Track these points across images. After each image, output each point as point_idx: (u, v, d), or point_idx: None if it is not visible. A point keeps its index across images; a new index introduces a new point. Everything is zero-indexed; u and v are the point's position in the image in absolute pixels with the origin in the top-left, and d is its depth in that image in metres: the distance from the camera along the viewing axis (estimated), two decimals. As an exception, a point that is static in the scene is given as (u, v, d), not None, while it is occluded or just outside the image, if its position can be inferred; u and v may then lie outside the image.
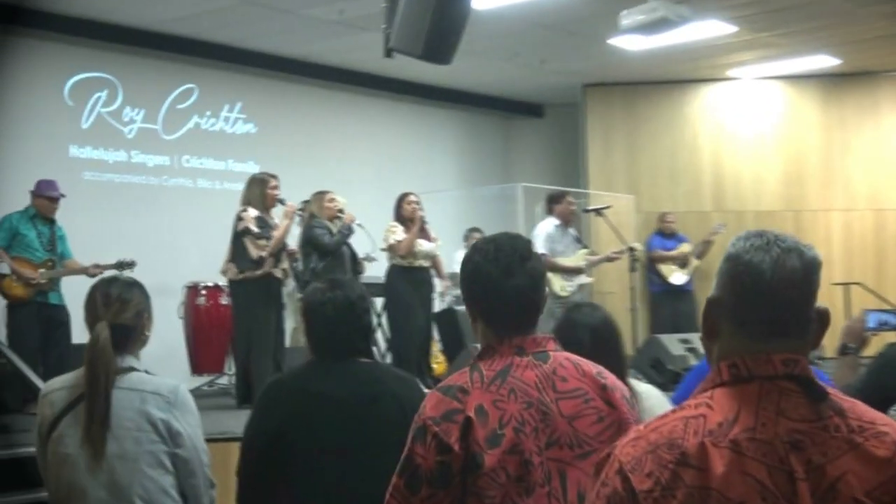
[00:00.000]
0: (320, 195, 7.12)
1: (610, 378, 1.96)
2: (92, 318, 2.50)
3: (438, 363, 7.81)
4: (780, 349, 1.34)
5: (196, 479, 2.50)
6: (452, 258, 8.33)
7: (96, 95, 8.78)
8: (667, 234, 9.82)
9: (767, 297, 1.35)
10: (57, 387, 2.49)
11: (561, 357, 1.94)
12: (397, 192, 7.58)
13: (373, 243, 7.42)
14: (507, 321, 1.94)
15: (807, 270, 1.36)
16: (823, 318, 1.39)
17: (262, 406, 2.60)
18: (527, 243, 2.03)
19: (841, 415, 1.32)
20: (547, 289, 7.33)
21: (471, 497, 1.83)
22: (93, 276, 6.53)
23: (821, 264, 1.39)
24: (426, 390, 2.42)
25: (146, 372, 2.57)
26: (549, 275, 7.48)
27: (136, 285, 2.58)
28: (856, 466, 1.28)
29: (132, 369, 2.50)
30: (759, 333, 1.35)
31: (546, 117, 12.05)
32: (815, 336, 1.38)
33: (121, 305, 2.50)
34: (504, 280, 1.95)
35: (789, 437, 1.29)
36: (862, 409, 1.34)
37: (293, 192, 7.00)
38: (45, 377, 5.08)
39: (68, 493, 2.41)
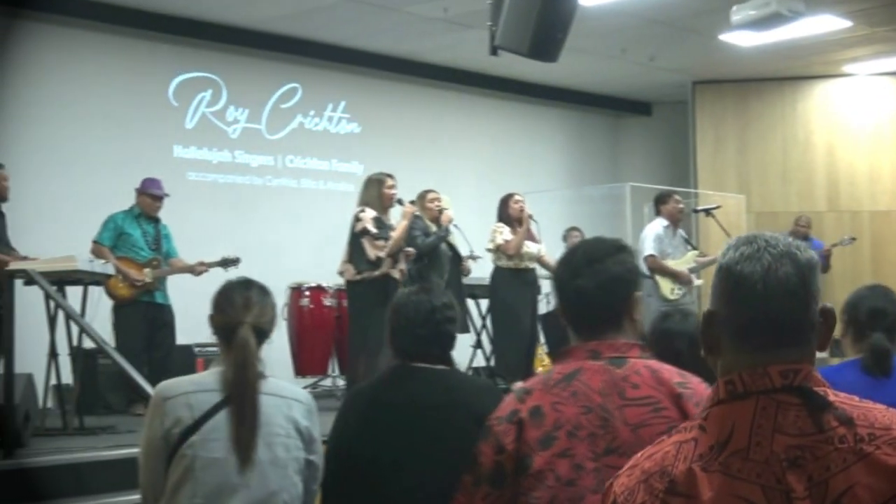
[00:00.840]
0: (423, 194, 7.10)
1: (693, 388, 1.87)
2: (229, 320, 2.47)
3: (544, 366, 7.75)
4: (778, 361, 1.28)
5: (316, 485, 2.55)
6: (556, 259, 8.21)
7: (200, 95, 8.84)
8: (800, 239, 9.60)
9: (761, 308, 1.29)
10: (190, 388, 2.44)
11: (640, 364, 1.89)
12: (501, 192, 7.52)
13: (469, 244, 7.33)
14: (578, 323, 1.93)
15: (802, 275, 1.30)
16: (829, 318, 1.32)
17: (341, 415, 2.62)
18: (607, 245, 1.98)
19: (848, 424, 1.23)
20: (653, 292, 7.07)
21: (521, 497, 1.84)
22: (198, 274, 6.59)
23: (817, 265, 1.34)
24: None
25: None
26: (658, 277, 7.37)
27: (261, 286, 2.57)
28: (865, 478, 1.19)
29: (265, 374, 2.51)
30: (756, 346, 1.29)
31: (655, 115, 11.96)
32: (821, 338, 1.32)
33: (261, 309, 2.50)
34: (569, 281, 1.95)
35: (787, 455, 1.22)
36: (876, 415, 1.24)
37: (398, 192, 6.86)
38: (150, 378, 5.13)
39: (216, 497, 2.38)
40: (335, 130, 9.69)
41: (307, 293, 7.83)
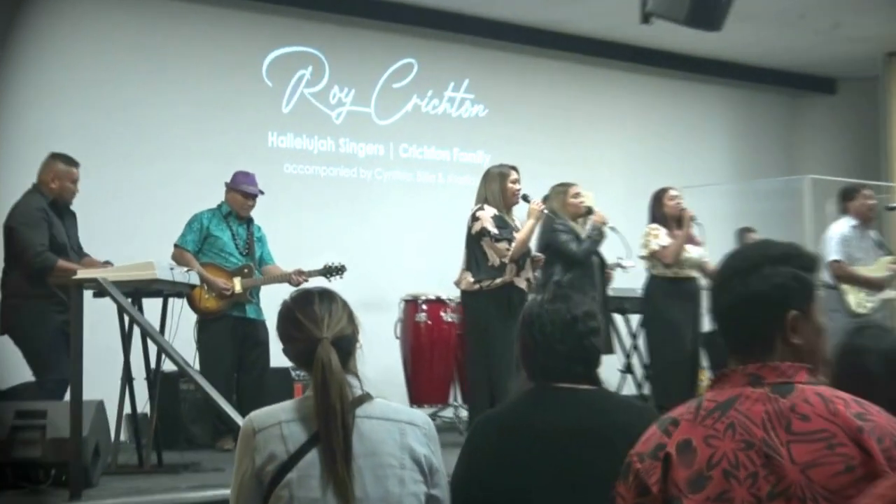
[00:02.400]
0: (563, 189, 7.04)
1: (875, 420, 1.82)
2: (302, 342, 2.52)
3: None
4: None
5: None
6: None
7: (299, 73, 8.88)
8: None
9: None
10: (284, 418, 2.47)
11: (809, 391, 1.86)
12: (654, 186, 7.46)
13: (628, 250, 7.21)
14: (732, 343, 1.95)
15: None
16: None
17: (470, 449, 2.67)
18: (759, 254, 1.97)
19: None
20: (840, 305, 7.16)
21: None
22: (296, 284, 6.54)
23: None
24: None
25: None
26: (844, 287, 7.32)
27: (331, 291, 2.62)
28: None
29: (369, 395, 2.53)
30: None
31: (839, 94, 11.80)
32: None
33: (334, 319, 2.53)
34: (718, 294, 1.98)
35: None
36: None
37: (530, 186, 6.83)
38: (240, 406, 5.16)
39: None
40: (457, 114, 9.71)
41: (424, 307, 7.85)
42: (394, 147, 9.34)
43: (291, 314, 2.56)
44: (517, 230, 6.44)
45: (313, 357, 2.47)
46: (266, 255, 6.93)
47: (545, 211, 6.59)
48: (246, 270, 6.73)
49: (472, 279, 6.41)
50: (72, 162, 5.96)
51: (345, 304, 2.58)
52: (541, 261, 6.63)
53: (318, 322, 2.51)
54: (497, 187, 6.48)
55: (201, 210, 6.81)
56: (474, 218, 6.44)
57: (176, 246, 6.67)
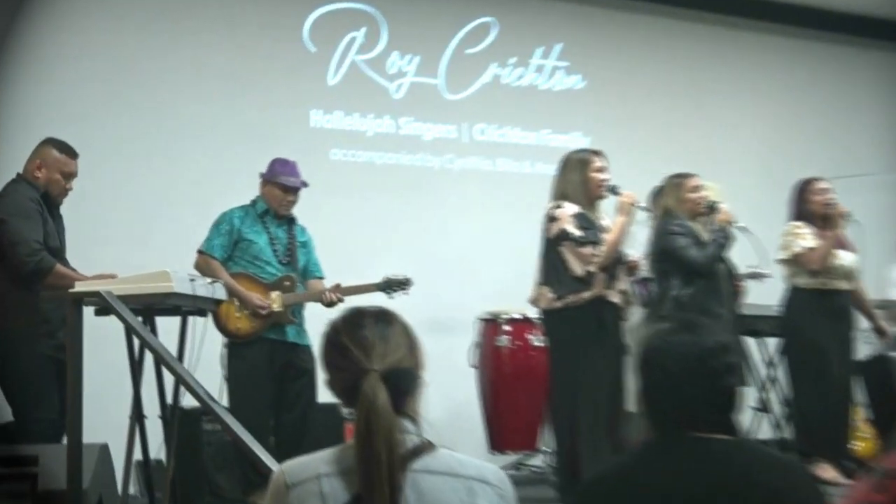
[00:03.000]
0: (679, 181, 7.07)
1: None
2: (346, 374, 2.54)
3: (864, 439, 7.74)
4: None
5: None
6: (889, 278, 8.23)
7: (349, 36, 8.97)
8: None
9: None
10: (324, 470, 2.50)
11: None
12: (794, 176, 7.49)
13: (763, 256, 7.28)
14: None
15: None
16: None
17: None
18: None
19: None
20: None
21: None
22: (329, 304, 6.64)
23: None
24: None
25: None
26: None
27: (390, 313, 2.63)
28: None
29: (430, 445, 2.53)
30: None
31: None
32: None
33: (388, 345, 2.53)
34: None
35: None
36: None
37: (637, 177, 6.88)
38: (278, 451, 5.32)
39: None
40: (547, 86, 9.70)
41: (507, 328, 7.84)
42: (467, 128, 9.35)
43: (337, 338, 2.58)
44: (606, 231, 6.46)
45: (355, 390, 2.49)
46: (312, 265, 6.94)
47: (639, 205, 6.63)
48: (286, 283, 6.73)
49: (552, 295, 6.45)
50: (69, 151, 5.98)
51: (406, 330, 2.59)
52: (637, 266, 6.69)
53: (368, 349, 2.52)
54: (577, 177, 6.51)
55: (231, 208, 6.82)
56: (551, 218, 6.49)
57: (200, 252, 6.69)
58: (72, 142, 6.12)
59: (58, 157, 5.94)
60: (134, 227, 7.71)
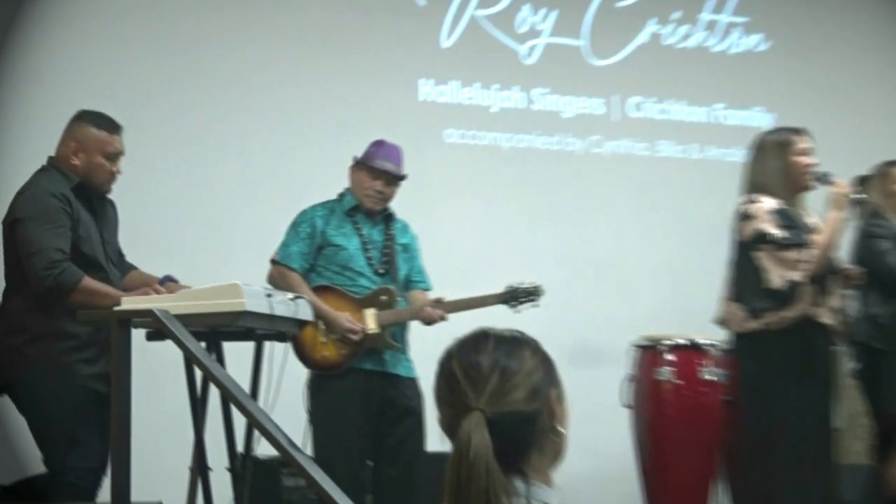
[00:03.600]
0: (887, 170, 7.21)
1: None
2: (455, 401, 2.55)
3: None
4: None
5: None
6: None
7: None
8: None
9: None
10: None
11: None
12: None
13: None
14: None
15: None
16: None
17: None
18: None
19: None
20: None
21: None
22: (428, 321, 6.61)
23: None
24: None
25: None
26: None
27: (523, 341, 2.61)
28: None
29: None
30: None
31: None
32: None
33: (501, 378, 2.52)
34: None
35: None
36: None
37: (840, 167, 6.76)
38: None
39: None
40: (720, 49, 9.76)
41: (670, 357, 7.75)
42: (619, 102, 9.40)
43: (448, 364, 2.60)
44: (814, 231, 6.46)
45: (454, 431, 2.53)
46: (416, 273, 6.96)
47: (861, 197, 6.61)
48: (384, 297, 6.72)
49: (744, 312, 6.44)
50: (110, 125, 5.90)
51: (539, 363, 2.57)
52: (855, 276, 6.69)
53: (478, 381, 2.54)
54: (776, 164, 6.52)
55: (312, 205, 6.83)
56: (744, 216, 6.50)
57: (274, 262, 6.73)
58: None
59: (97, 135, 5.85)
60: (191, 231, 7.87)
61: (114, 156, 5.84)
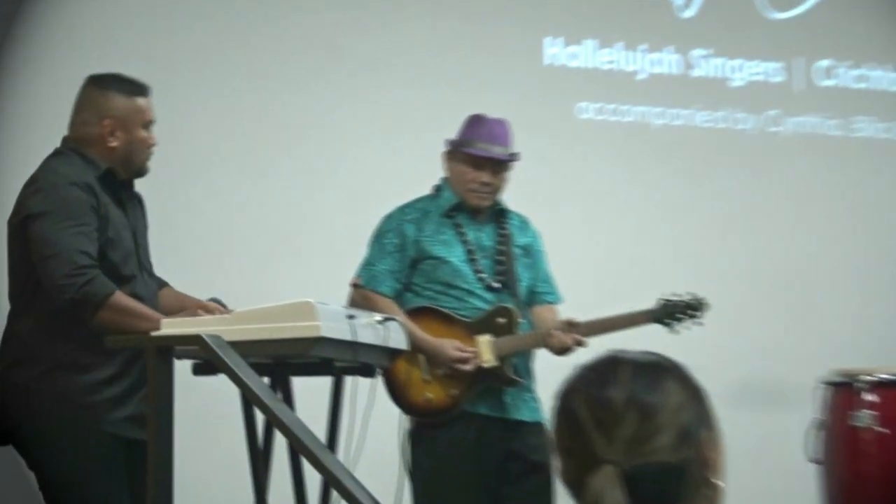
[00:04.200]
0: None
1: None
2: (578, 449, 2.56)
3: None
4: None
5: None
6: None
7: None
8: None
9: None
10: None
11: None
12: None
13: None
14: None
15: None
16: None
17: None
18: None
19: None
20: None
21: None
22: (559, 350, 6.59)
23: None
24: None
25: None
26: None
27: (666, 368, 2.60)
28: None
29: None
30: None
31: None
32: None
33: (640, 419, 2.52)
34: None
35: None
36: None
37: None
38: None
39: None
40: None
41: (870, 398, 7.57)
42: (803, 65, 9.48)
43: (569, 401, 2.60)
44: None
45: (581, 485, 2.54)
46: (541, 282, 6.96)
47: None
48: (501, 320, 6.70)
49: None
50: (140, 88, 5.90)
51: (686, 390, 2.57)
52: None
53: (610, 424, 2.53)
54: None
55: (400, 207, 6.86)
56: None
57: (356, 287, 6.71)
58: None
59: (132, 103, 5.82)
60: (251, 241, 8.06)
61: (147, 124, 5.83)
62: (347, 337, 5.26)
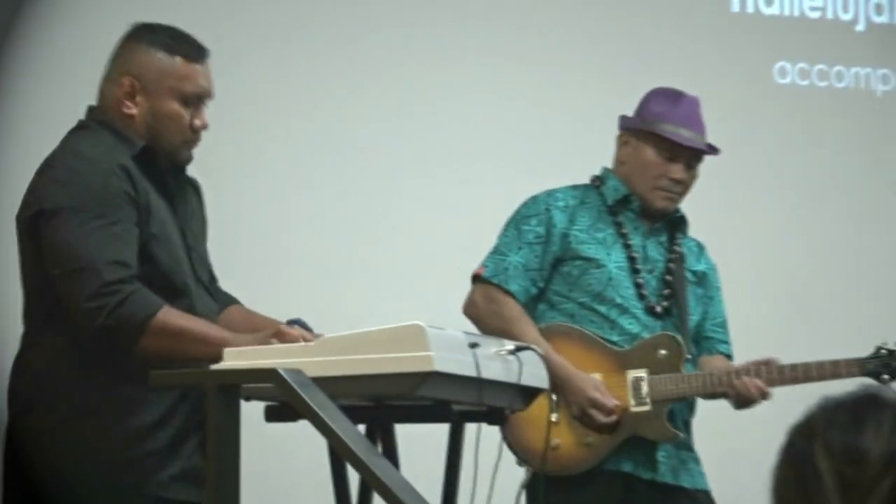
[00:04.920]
0: None
1: None
2: None
3: None
4: None
5: None
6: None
7: None
8: None
9: None
10: None
11: None
12: None
13: None
14: None
15: None
16: None
17: None
18: None
19: None
20: None
21: None
22: (745, 401, 6.77)
23: None
24: None
25: None
26: None
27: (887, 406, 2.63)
28: None
29: None
30: None
31: None
32: None
33: (882, 473, 2.53)
34: None
35: None
36: None
37: None
38: None
39: None
40: None
41: None
42: None
43: (805, 451, 2.61)
44: None
45: None
46: (715, 327, 7.12)
47: None
48: (663, 352, 6.84)
49: None
50: (185, 48, 5.78)
51: None
52: None
53: (860, 483, 2.55)
54: None
55: (550, 190, 7.02)
56: None
57: (478, 280, 6.90)
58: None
59: (162, 61, 5.72)
60: (324, 251, 8.38)
61: (194, 98, 5.67)
62: (469, 372, 5.26)
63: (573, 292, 6.75)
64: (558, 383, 6.52)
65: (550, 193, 6.89)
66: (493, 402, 5.53)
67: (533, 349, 5.79)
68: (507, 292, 6.73)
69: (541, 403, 6.34)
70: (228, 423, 4.71)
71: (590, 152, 7.25)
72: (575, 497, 6.69)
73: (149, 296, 5.33)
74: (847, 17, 9.02)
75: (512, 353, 5.55)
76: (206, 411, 4.81)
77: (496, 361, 5.43)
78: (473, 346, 5.35)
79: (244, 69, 7.86)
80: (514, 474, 6.40)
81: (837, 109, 8.97)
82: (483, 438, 5.77)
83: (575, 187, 6.95)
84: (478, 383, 5.30)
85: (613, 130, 6.79)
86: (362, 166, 8.51)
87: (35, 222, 5.43)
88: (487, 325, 6.43)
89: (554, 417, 6.52)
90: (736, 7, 8.88)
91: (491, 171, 8.31)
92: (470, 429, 5.74)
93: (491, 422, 5.72)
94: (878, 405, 2.58)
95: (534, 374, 5.67)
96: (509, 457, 6.34)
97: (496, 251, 6.82)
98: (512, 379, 5.51)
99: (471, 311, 6.68)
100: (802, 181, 8.44)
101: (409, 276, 7.23)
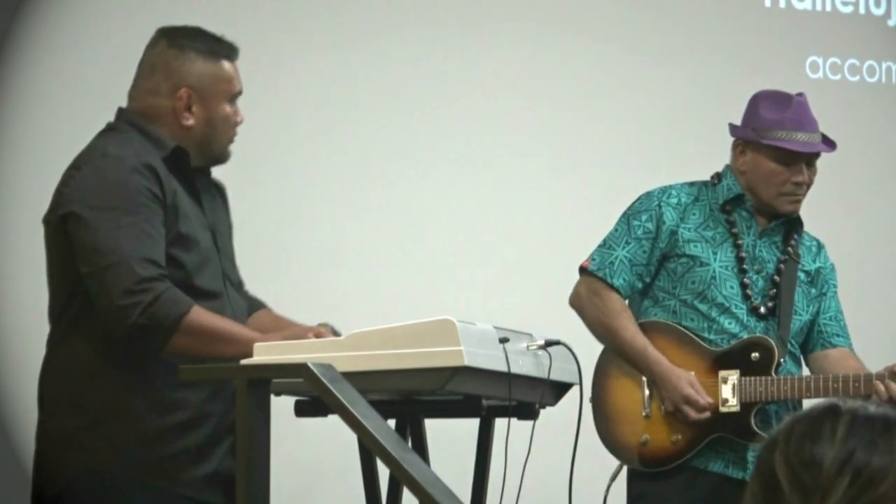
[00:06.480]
0: None
1: None
2: None
3: None
4: None
5: None
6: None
7: None
8: None
9: None
10: None
11: None
12: None
13: None
14: None
15: None
16: None
17: None
18: None
19: None
20: None
21: None
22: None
23: None
24: None
25: None
26: None
27: None
28: None
29: None
30: None
31: None
32: None
33: (854, 487, 2.59)
34: None
35: None
36: None
37: None
38: None
39: None
40: None
41: None
42: None
43: (767, 460, 2.70)
44: None
45: None
46: (832, 323, 7.09)
47: None
48: (756, 355, 6.78)
49: None
50: (224, 50, 5.85)
51: None
52: None
53: (812, 492, 2.60)
54: None
55: (665, 186, 7.03)
56: None
57: (585, 273, 6.89)
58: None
59: (211, 69, 5.79)
60: (369, 240, 8.38)
61: (233, 95, 5.79)
62: (499, 367, 5.31)
63: (677, 289, 6.82)
64: (654, 378, 6.67)
65: (665, 190, 6.93)
66: (523, 398, 5.55)
67: (563, 344, 5.75)
68: (612, 286, 6.77)
69: (634, 398, 6.70)
70: (259, 418, 4.74)
71: (604, 152, 7.16)
72: (661, 487, 6.71)
73: (180, 295, 5.36)
74: (879, 11, 9.00)
75: (542, 347, 5.57)
76: (237, 406, 4.84)
77: (526, 356, 5.47)
78: (503, 340, 5.39)
79: (250, 69, 7.75)
80: (543, 470, 6.12)
81: (869, 104, 8.92)
82: (515, 435, 5.74)
83: (692, 184, 7.00)
84: (508, 378, 5.33)
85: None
86: (384, 164, 8.49)
87: (63, 223, 5.44)
88: (589, 317, 6.52)
89: (646, 412, 6.68)
90: (768, 2, 8.81)
91: (516, 168, 8.27)
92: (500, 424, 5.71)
93: (521, 417, 5.71)
94: (835, 414, 2.62)
95: (563, 368, 5.70)
96: (538, 452, 5.94)
97: (604, 244, 6.85)
98: (542, 374, 5.55)
99: (575, 302, 6.74)
100: (833, 176, 8.34)
101: (426, 273, 7.19)
